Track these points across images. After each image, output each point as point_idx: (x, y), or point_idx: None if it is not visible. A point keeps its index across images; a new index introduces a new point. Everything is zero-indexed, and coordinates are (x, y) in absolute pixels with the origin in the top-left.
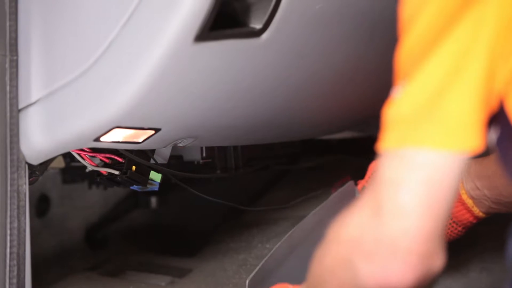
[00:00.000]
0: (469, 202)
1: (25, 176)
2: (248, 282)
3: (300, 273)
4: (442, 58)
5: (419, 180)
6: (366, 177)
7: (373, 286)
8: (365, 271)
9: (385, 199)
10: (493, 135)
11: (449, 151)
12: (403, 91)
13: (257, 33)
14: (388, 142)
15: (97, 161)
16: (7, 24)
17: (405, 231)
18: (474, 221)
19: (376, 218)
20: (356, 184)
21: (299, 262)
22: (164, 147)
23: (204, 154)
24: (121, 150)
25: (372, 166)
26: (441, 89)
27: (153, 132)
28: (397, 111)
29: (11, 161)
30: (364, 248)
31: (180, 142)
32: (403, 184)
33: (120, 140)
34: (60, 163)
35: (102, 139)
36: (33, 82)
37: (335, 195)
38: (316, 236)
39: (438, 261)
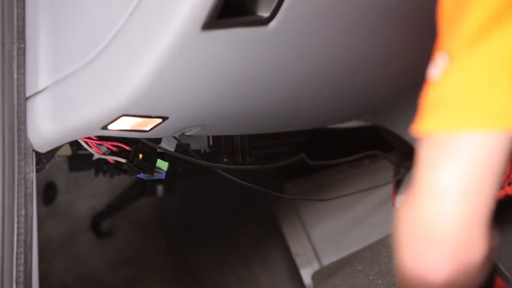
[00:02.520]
0: None
1: (32, 164)
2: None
3: None
4: (498, 43)
5: (461, 160)
6: None
7: (411, 276)
8: (402, 260)
9: (422, 180)
10: None
11: (498, 131)
12: (446, 70)
13: (265, 22)
14: (431, 126)
15: (104, 149)
16: (15, 12)
17: (440, 215)
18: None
19: (412, 202)
20: None
21: None
22: (172, 135)
23: (211, 143)
24: (142, 139)
25: None
26: (491, 74)
27: (160, 120)
28: (440, 93)
29: (19, 148)
30: (402, 235)
31: (187, 131)
32: (442, 163)
33: (128, 128)
34: (67, 151)
35: (109, 127)
36: (41, 70)
37: None
38: None
39: (477, 251)
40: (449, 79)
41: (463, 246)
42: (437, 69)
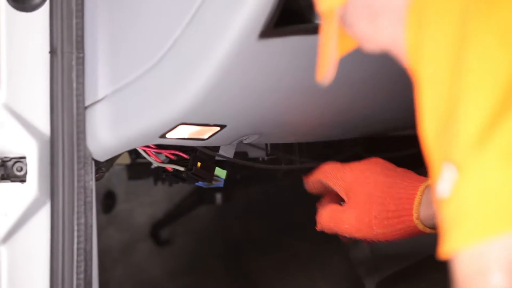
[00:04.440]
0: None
1: (91, 172)
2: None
3: None
4: (508, 137)
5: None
6: None
7: None
8: None
9: None
10: None
11: None
12: (457, 182)
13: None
14: (463, 241)
15: (162, 157)
16: (74, 21)
17: None
18: None
19: None
20: None
21: None
22: (229, 144)
23: (269, 151)
24: (200, 147)
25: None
26: (508, 170)
27: (218, 128)
28: (459, 208)
29: (78, 157)
30: None
31: (245, 139)
32: (490, 270)
33: (186, 137)
34: (125, 160)
35: (168, 135)
36: (100, 79)
37: None
38: None
39: None
40: (464, 190)
41: None
42: (446, 183)
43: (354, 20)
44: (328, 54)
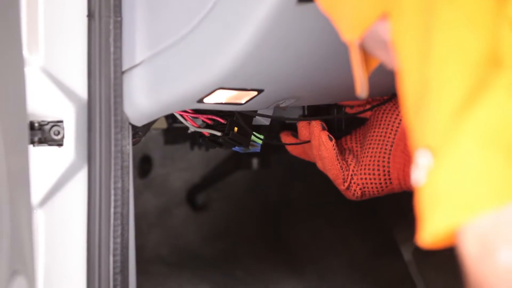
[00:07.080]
0: None
1: (128, 137)
2: None
3: None
4: (479, 120)
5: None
6: None
7: None
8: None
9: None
10: None
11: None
12: (432, 167)
13: None
14: (437, 226)
15: (199, 122)
16: None
17: None
18: None
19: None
20: None
21: None
22: (266, 108)
23: (306, 113)
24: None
25: None
26: (483, 155)
27: (256, 93)
28: (436, 193)
29: (115, 121)
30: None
31: (282, 103)
32: (496, 248)
33: (223, 102)
34: (162, 124)
35: (205, 100)
36: (137, 44)
37: None
38: None
39: None
40: (440, 175)
41: None
42: (421, 170)
43: (372, 49)
44: (358, 74)
